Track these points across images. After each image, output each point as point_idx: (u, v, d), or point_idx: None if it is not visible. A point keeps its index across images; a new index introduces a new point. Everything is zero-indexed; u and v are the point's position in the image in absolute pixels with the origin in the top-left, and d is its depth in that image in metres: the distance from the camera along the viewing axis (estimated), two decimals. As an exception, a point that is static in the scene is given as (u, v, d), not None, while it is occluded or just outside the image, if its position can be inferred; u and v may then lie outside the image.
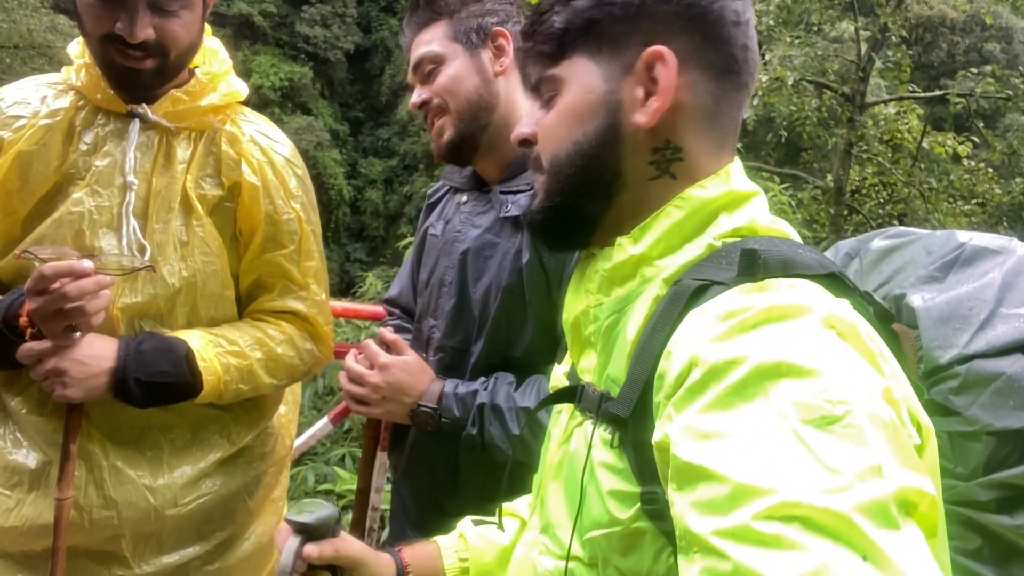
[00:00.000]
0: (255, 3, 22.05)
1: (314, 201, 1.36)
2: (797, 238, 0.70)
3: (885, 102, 9.04)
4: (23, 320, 1.11)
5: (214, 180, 1.25)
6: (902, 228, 0.84)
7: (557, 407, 0.82)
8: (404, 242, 4.84)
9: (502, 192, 1.28)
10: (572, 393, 0.75)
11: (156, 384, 1.18)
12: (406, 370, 1.27)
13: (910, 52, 9.43)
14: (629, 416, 0.64)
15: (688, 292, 0.63)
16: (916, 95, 9.12)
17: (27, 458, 1.20)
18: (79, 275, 1.06)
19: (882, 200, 9.79)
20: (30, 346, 1.12)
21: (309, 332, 1.34)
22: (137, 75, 1.15)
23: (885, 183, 9.57)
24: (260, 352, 1.27)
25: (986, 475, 0.68)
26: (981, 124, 9.31)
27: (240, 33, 22.64)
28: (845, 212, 9.25)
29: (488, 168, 1.31)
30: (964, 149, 8.66)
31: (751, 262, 0.61)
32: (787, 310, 0.57)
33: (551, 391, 0.83)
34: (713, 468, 0.50)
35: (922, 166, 9.03)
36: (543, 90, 0.74)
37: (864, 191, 9.93)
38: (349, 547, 0.88)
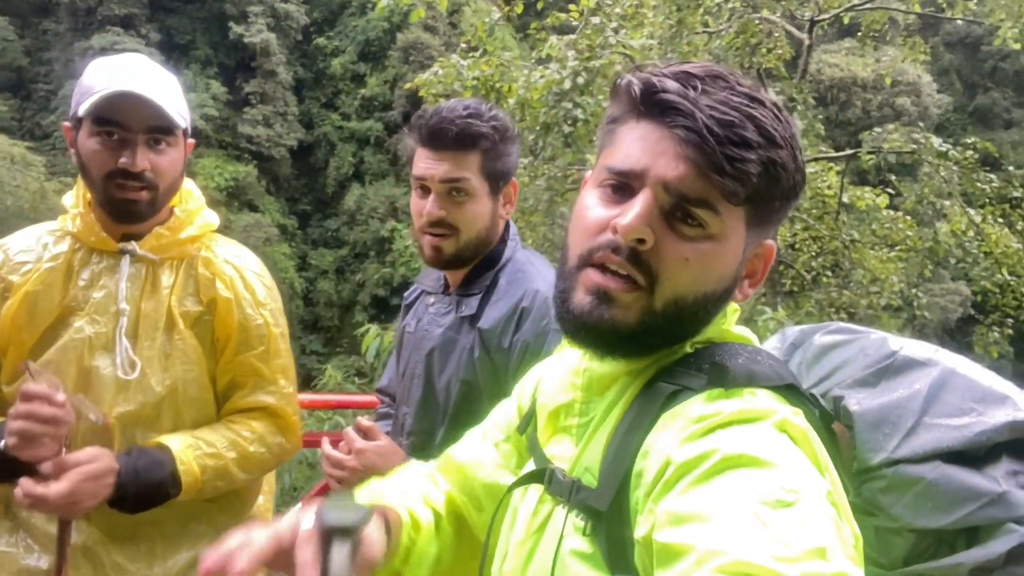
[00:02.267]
0: (196, 108, 22.46)
1: (281, 307, 1.56)
2: (756, 341, 0.81)
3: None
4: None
5: (194, 298, 1.45)
6: (843, 325, 0.89)
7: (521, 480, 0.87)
8: (361, 330, 5.00)
9: (459, 295, 1.48)
10: (540, 474, 0.81)
11: (146, 496, 1.34)
12: (379, 453, 1.44)
13: (823, 115, 10.12)
14: (607, 509, 0.70)
15: (663, 396, 0.72)
16: (829, 155, 9.80)
17: (39, 561, 1.35)
18: (52, 403, 1.22)
19: (814, 253, 10.23)
20: (31, 491, 1.22)
21: (278, 425, 1.51)
22: (134, 205, 1.36)
23: (815, 237, 10.04)
24: (234, 452, 1.43)
25: (905, 566, 0.76)
26: (894, 176, 9.98)
27: (183, 137, 22.84)
28: (781, 267, 9.73)
29: (456, 275, 1.52)
30: (882, 201, 9.28)
31: (721, 375, 0.71)
32: (749, 415, 0.66)
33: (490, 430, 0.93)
34: (685, 543, 0.58)
35: (845, 219, 9.58)
36: (693, 215, 0.70)
37: (796, 246, 10.40)
38: (380, 547, 0.80)
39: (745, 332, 0.80)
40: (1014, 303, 7.94)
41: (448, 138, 1.39)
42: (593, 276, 0.73)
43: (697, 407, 0.69)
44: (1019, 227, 7.95)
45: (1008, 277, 7.87)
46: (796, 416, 0.69)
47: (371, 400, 2.34)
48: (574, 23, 6.72)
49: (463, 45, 7.51)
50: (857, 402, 0.79)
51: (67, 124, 1.36)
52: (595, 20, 6.28)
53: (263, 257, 1.63)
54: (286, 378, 1.53)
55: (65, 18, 23.76)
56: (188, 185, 1.51)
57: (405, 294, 1.71)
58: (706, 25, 7.83)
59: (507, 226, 1.53)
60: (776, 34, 8.24)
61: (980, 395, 0.78)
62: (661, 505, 0.63)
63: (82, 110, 1.31)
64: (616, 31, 6.32)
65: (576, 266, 0.74)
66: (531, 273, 1.46)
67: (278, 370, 1.51)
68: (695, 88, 0.70)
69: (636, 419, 0.72)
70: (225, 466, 1.41)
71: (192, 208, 1.48)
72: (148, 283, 1.42)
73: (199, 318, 1.44)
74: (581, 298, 0.73)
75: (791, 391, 0.73)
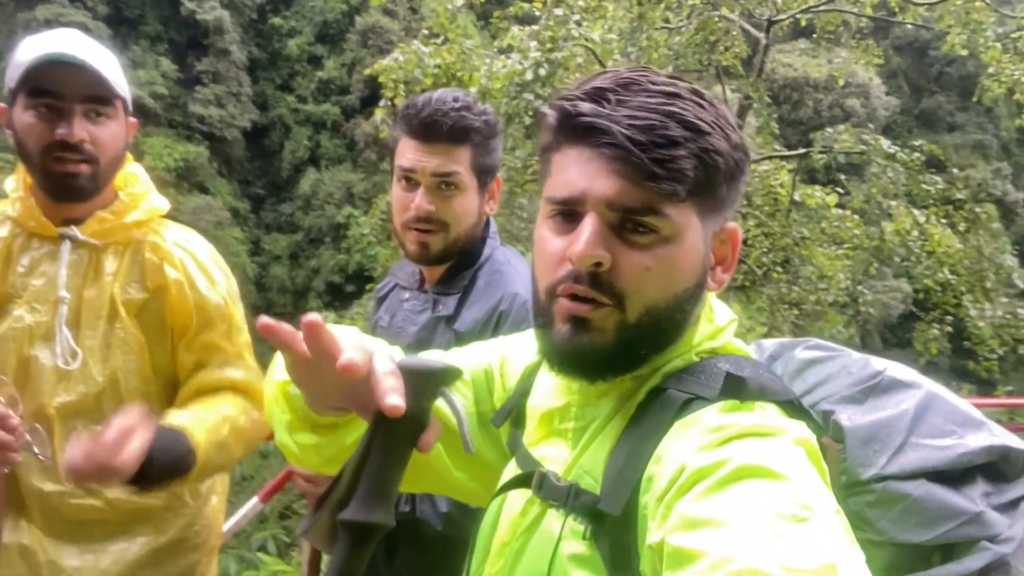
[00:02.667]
0: (145, 85, 21.76)
1: (237, 292, 1.50)
2: (749, 351, 0.83)
3: (757, 161, 9.87)
4: None
5: (139, 285, 1.39)
6: (820, 341, 0.91)
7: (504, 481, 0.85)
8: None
9: (435, 294, 1.45)
10: (528, 477, 0.80)
11: (168, 472, 1.26)
12: None
13: (776, 113, 10.32)
14: (620, 514, 0.69)
15: (676, 404, 0.72)
16: (782, 154, 10.01)
17: None
18: (4, 427, 1.18)
19: (765, 249, 10.45)
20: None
21: (250, 401, 1.44)
22: (75, 180, 1.30)
23: (767, 234, 10.25)
24: (227, 426, 1.36)
25: None
26: (843, 176, 10.23)
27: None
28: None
29: (434, 271, 1.48)
30: (831, 199, 9.51)
31: (736, 387, 0.71)
32: (766, 429, 0.68)
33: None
34: (698, 548, 0.58)
35: (796, 217, 9.79)
36: (643, 224, 0.71)
37: (749, 242, 10.60)
38: None
39: (743, 345, 0.82)
40: (954, 301, 8.22)
41: (441, 131, 1.35)
42: (565, 305, 0.73)
43: (713, 417, 0.70)
44: (961, 228, 8.22)
45: (949, 276, 8.15)
46: (808, 432, 0.71)
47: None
48: (537, 13, 6.70)
49: (425, 31, 7.43)
50: (848, 418, 0.81)
51: (2, 105, 1.30)
52: (558, 12, 6.27)
53: (214, 241, 1.58)
54: (251, 355, 1.47)
55: (6, -13, 22.73)
56: (134, 168, 1.45)
57: (378, 286, 1.68)
58: (667, 21, 7.89)
59: (487, 223, 1.50)
60: (734, 32, 8.35)
61: (960, 419, 0.82)
62: (675, 510, 0.63)
63: (15, 83, 1.26)
64: (579, 23, 6.32)
65: (547, 300, 0.75)
66: (509, 274, 1.43)
67: (241, 346, 1.46)
68: (608, 101, 0.70)
69: (647, 425, 0.72)
70: (224, 441, 1.35)
71: (137, 192, 1.42)
72: (90, 270, 1.36)
73: (144, 306, 1.39)
74: (560, 328, 0.74)
75: (792, 406, 0.75)
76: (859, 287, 10.01)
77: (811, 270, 9.69)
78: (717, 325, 0.79)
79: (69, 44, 1.29)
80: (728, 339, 0.80)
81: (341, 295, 18.61)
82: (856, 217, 9.63)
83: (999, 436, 0.81)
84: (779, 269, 10.52)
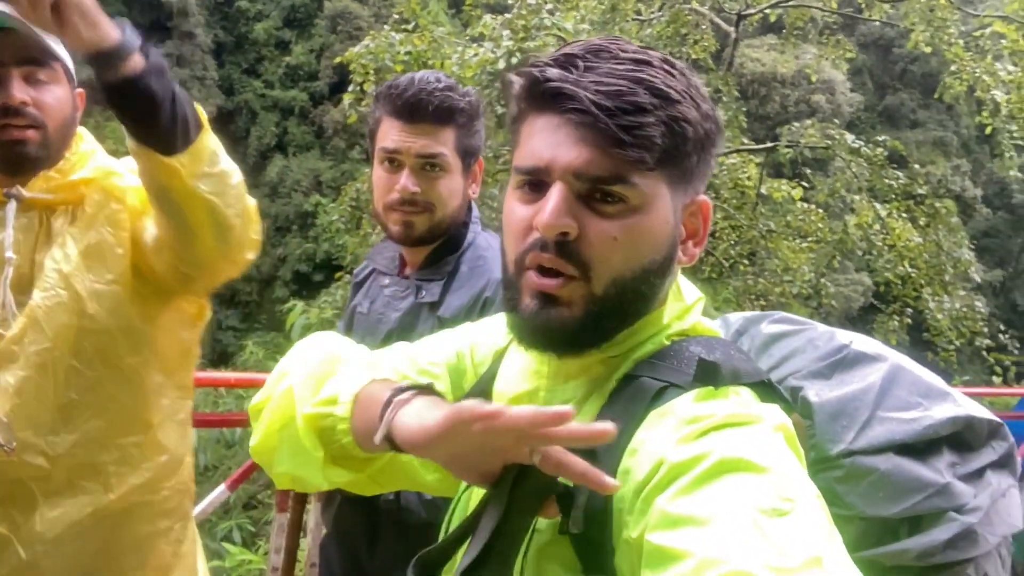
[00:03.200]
0: (107, 67, 21.14)
1: None
2: (716, 328, 0.82)
3: (725, 154, 9.98)
4: None
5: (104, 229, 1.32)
6: (785, 315, 0.91)
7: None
8: (287, 306, 4.87)
9: (418, 280, 1.44)
10: None
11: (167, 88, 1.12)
12: None
13: (744, 108, 10.43)
14: (594, 508, 0.68)
15: (650, 393, 0.70)
16: (750, 147, 10.12)
17: None
18: None
19: (732, 242, 10.58)
20: None
21: None
22: (24, 147, 1.27)
23: (734, 227, 10.38)
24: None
25: (853, 553, 0.77)
26: (809, 170, 10.40)
27: (91, 98, 21.50)
28: (702, 254, 9.97)
29: (416, 255, 1.46)
30: (797, 193, 9.66)
31: (711, 372, 0.70)
32: (744, 417, 0.66)
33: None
34: (681, 548, 0.57)
35: (762, 210, 9.92)
36: (612, 193, 0.69)
37: (716, 235, 10.72)
38: None
39: (713, 325, 0.81)
40: (913, 294, 8.42)
41: (427, 111, 1.34)
42: (532, 279, 0.72)
43: (689, 407, 0.69)
44: (921, 222, 8.41)
45: (909, 269, 8.34)
46: (785, 417, 0.70)
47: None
48: (509, 2, 6.68)
49: (395, 16, 7.36)
50: (816, 394, 0.81)
51: None
52: (531, 0, 6.25)
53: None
54: None
55: (-41, -39, 21.94)
56: (79, 130, 1.41)
57: (355, 271, 1.66)
58: (639, 13, 7.92)
59: (469, 207, 1.49)
60: (704, 26, 8.42)
61: (924, 390, 0.82)
62: (654, 506, 0.62)
63: None
64: (551, 13, 6.31)
65: (515, 272, 0.74)
66: (493, 259, 1.42)
67: None
68: (577, 68, 0.69)
69: (621, 415, 0.70)
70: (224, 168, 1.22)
71: (84, 150, 1.38)
72: (42, 234, 1.33)
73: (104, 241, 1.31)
74: (527, 303, 0.72)
75: (764, 387, 0.75)
76: (822, 280, 10.19)
77: (776, 263, 9.84)
78: (685, 304, 0.78)
79: None
80: (696, 319, 0.79)
81: (308, 284, 18.39)
82: (820, 211, 9.79)
83: (963, 406, 0.82)
84: (745, 262, 10.67)
